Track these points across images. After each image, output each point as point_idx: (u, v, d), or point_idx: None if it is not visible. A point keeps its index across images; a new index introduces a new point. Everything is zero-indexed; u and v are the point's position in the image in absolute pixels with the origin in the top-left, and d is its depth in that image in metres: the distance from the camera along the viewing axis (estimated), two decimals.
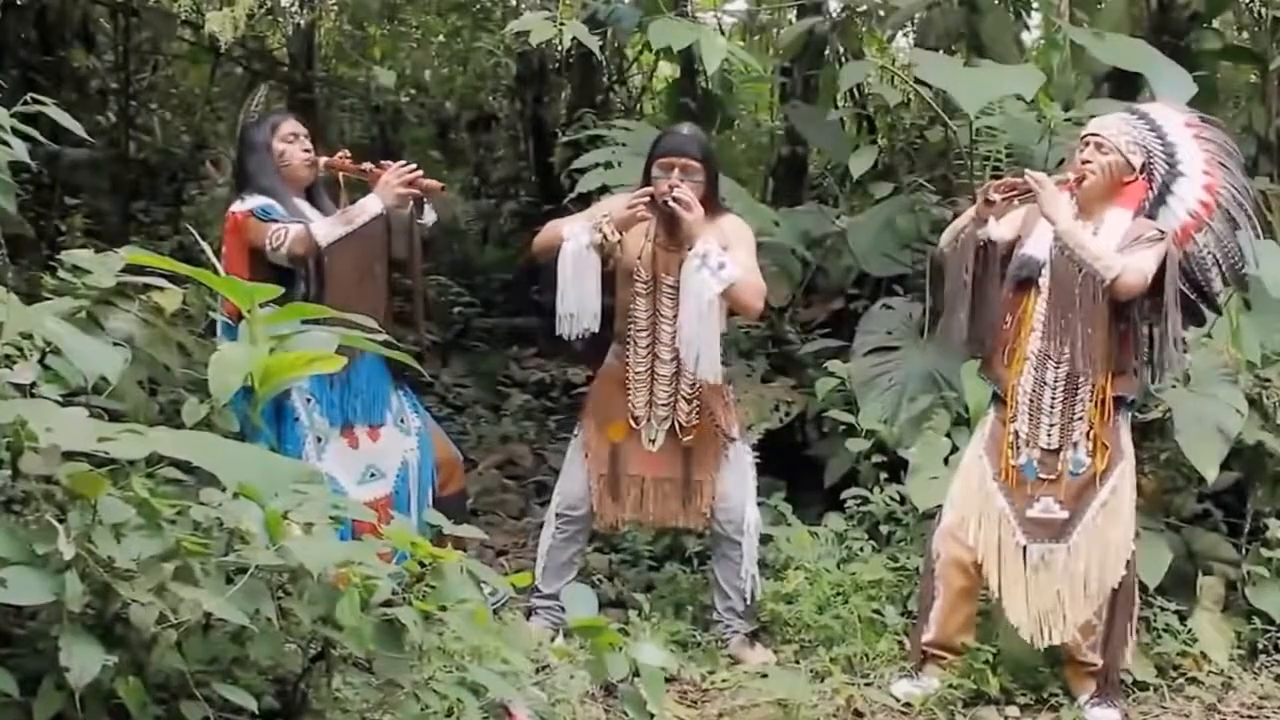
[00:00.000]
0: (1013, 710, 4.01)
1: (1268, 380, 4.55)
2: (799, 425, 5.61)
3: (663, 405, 4.29)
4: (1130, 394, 3.93)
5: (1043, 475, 3.87)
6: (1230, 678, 4.24)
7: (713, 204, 4.24)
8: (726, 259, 4.08)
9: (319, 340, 2.78)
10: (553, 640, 4.17)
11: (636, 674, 2.83)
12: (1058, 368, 3.86)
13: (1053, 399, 3.87)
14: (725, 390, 4.37)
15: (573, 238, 4.15)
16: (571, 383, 7.55)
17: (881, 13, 7.27)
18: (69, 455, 2.22)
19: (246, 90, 8.96)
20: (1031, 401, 3.88)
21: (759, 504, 4.47)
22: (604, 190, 5.17)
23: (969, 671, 3.99)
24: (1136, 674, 4.13)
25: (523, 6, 8.75)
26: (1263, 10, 6.96)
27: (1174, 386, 4.38)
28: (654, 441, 4.32)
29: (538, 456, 6.64)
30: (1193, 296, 4.00)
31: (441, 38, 9.95)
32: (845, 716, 3.94)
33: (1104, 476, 3.85)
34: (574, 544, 4.45)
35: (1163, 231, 3.82)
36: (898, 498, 4.79)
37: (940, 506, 4.12)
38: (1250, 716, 4.10)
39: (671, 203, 4.08)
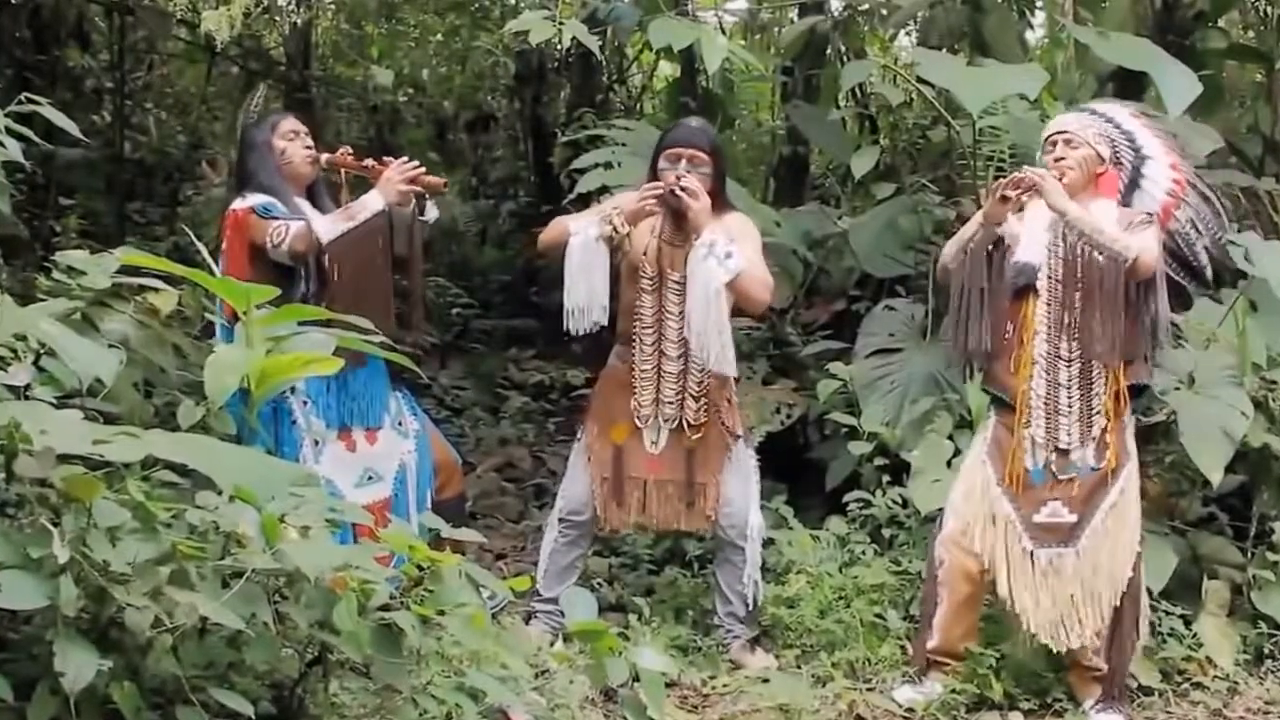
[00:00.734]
0: (1016, 716, 4.00)
1: (1273, 382, 4.54)
2: (800, 428, 5.60)
3: (670, 404, 4.29)
4: (1143, 380, 3.96)
5: (1059, 476, 3.87)
6: (1236, 683, 4.24)
7: (719, 199, 4.24)
8: (734, 249, 4.09)
9: (316, 342, 2.78)
10: (552, 645, 4.17)
11: (636, 679, 2.84)
12: (1069, 366, 3.86)
13: (1069, 399, 3.87)
14: (729, 390, 4.36)
15: (580, 231, 4.15)
16: (571, 385, 7.55)
17: (884, 11, 7.26)
18: (64, 458, 2.22)
19: (243, 90, 8.96)
20: (1047, 404, 3.89)
21: (760, 507, 4.47)
22: (604, 190, 5.17)
23: (972, 677, 3.98)
24: (1141, 679, 4.13)
25: (521, 5, 8.74)
26: (1269, 9, 6.97)
27: (1178, 389, 4.38)
28: (656, 444, 4.32)
29: (537, 459, 6.64)
30: (1180, 278, 4.07)
31: (440, 37, 9.95)
32: None
33: (1112, 478, 3.86)
34: (576, 549, 4.45)
35: (1150, 215, 3.92)
36: (900, 501, 4.79)
37: (940, 511, 4.12)
38: None
39: (679, 192, 4.08)
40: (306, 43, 8.93)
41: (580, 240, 4.13)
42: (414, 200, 4.16)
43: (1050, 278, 3.89)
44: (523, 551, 5.37)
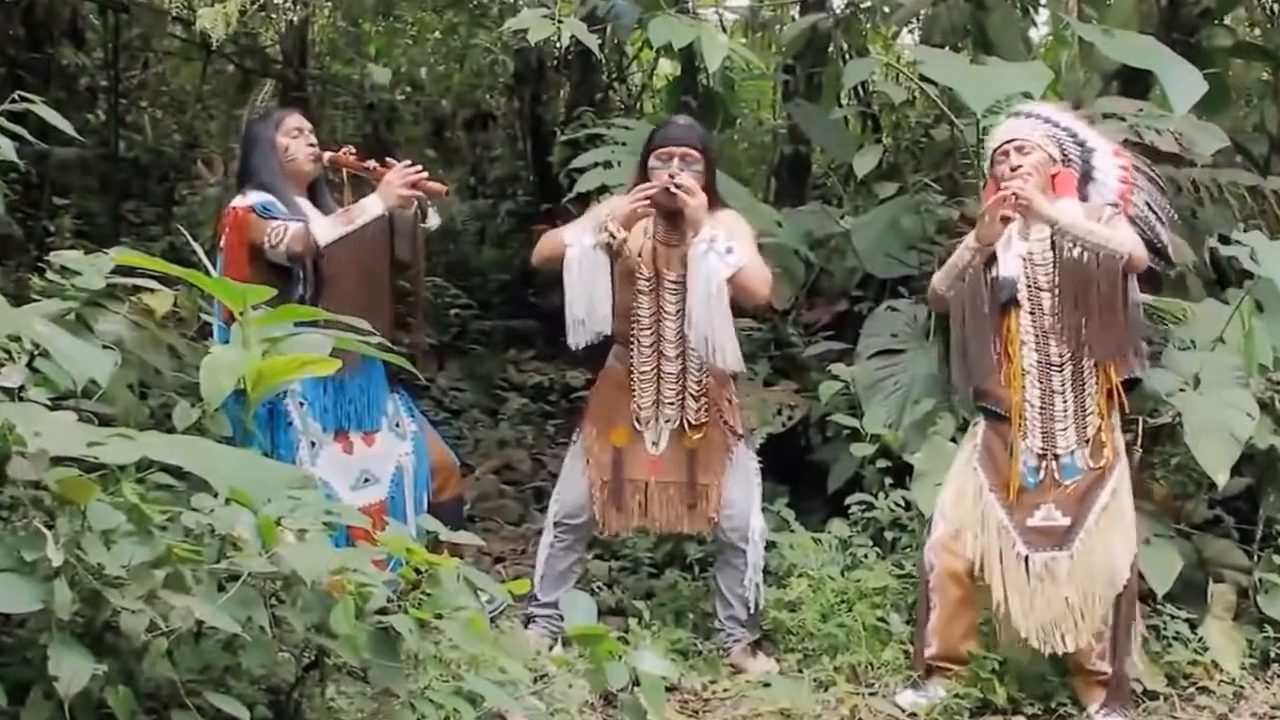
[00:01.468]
0: None
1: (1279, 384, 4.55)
2: (802, 430, 5.60)
3: (670, 404, 4.29)
4: (1135, 373, 3.98)
5: (1061, 482, 3.88)
6: (1242, 687, 4.24)
7: (712, 196, 4.25)
8: (734, 244, 4.10)
9: (313, 343, 2.78)
10: (551, 649, 4.18)
11: (636, 683, 2.83)
12: (1061, 371, 3.90)
13: (1064, 404, 3.91)
14: (730, 390, 4.37)
15: (575, 242, 4.15)
16: (570, 386, 7.55)
17: (886, 9, 7.27)
18: (58, 460, 2.22)
19: (238, 88, 8.97)
20: (1043, 413, 3.91)
21: (761, 510, 4.46)
22: (603, 190, 5.17)
23: (975, 681, 3.98)
24: (1147, 683, 4.12)
25: (520, 3, 8.74)
26: (1275, 7, 6.98)
27: (1184, 390, 4.38)
28: (657, 445, 4.32)
29: (536, 461, 6.65)
30: (1150, 260, 4.09)
31: (438, 34, 9.95)
32: None
33: (1104, 480, 3.88)
34: (573, 552, 4.45)
35: (1116, 205, 4.00)
36: (903, 503, 4.79)
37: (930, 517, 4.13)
38: None
39: (674, 190, 4.09)
40: (303, 40, 8.94)
41: (577, 251, 4.14)
42: (416, 205, 4.16)
43: (1031, 286, 3.93)
44: (522, 554, 5.37)
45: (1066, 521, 3.87)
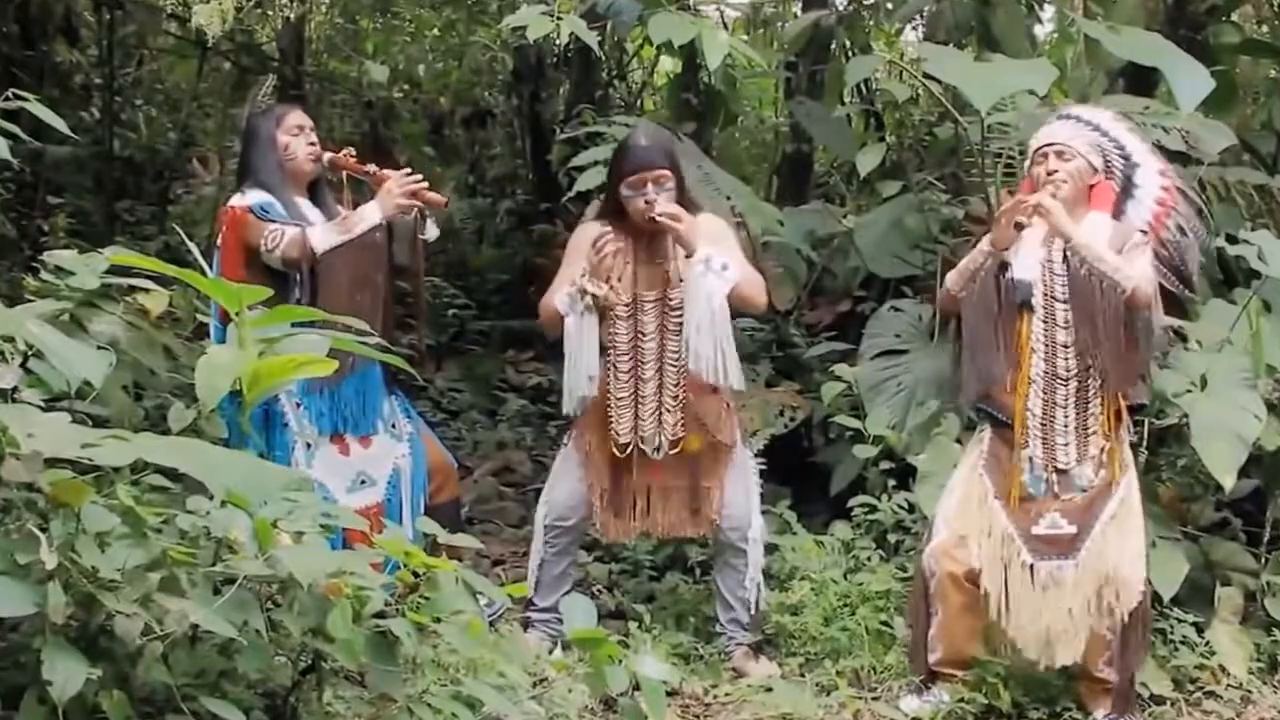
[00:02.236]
0: None
1: None
2: (804, 431, 5.60)
3: (648, 424, 4.28)
4: (1142, 399, 3.98)
5: (1061, 494, 3.87)
6: (1249, 691, 4.23)
7: (685, 202, 4.24)
8: (727, 259, 4.10)
9: (309, 344, 2.78)
10: (551, 653, 4.17)
11: (637, 687, 2.83)
12: (1066, 384, 3.88)
13: (1066, 419, 3.89)
14: (723, 395, 4.35)
15: (568, 311, 4.15)
16: None
17: (889, 5, 7.27)
18: (51, 462, 2.23)
19: (234, 86, 8.96)
20: (1044, 424, 3.90)
21: (763, 512, 4.47)
22: (603, 188, 5.17)
23: (980, 685, 3.98)
24: (1153, 687, 4.12)
25: (519, 0, 8.75)
26: None
27: (1190, 391, 4.38)
28: (658, 450, 4.32)
29: (535, 463, 6.63)
30: (1173, 286, 4.07)
31: (436, 31, 9.94)
32: None
33: (1111, 490, 3.86)
34: (567, 556, 4.44)
35: (1145, 233, 3.94)
36: (906, 506, 4.79)
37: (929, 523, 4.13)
38: None
39: (659, 219, 4.07)
40: (300, 38, 8.93)
41: (573, 320, 4.14)
42: (415, 214, 4.16)
43: (1046, 295, 3.90)
44: (521, 557, 5.36)
45: (1072, 530, 3.85)
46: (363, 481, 4.17)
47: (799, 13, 7.63)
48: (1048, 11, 7.43)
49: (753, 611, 4.36)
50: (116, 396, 3.27)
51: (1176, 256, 4.07)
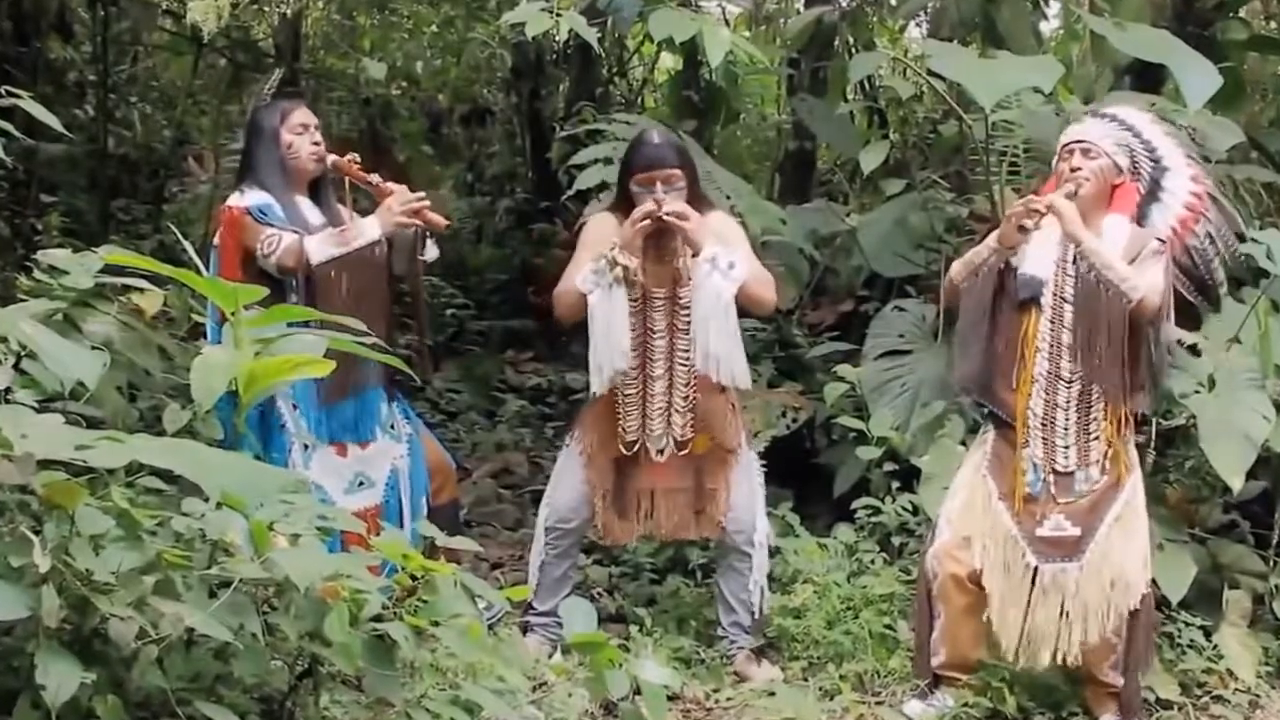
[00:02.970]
0: None
1: None
2: (807, 432, 5.60)
3: (656, 423, 4.28)
4: (1145, 410, 3.97)
5: (1059, 498, 3.87)
6: (1257, 696, 4.24)
7: (696, 201, 4.23)
8: (734, 257, 4.10)
9: (306, 344, 2.78)
10: (550, 657, 4.18)
11: (638, 692, 2.84)
12: (1069, 387, 3.87)
13: (1066, 421, 3.88)
14: (729, 395, 4.36)
15: (593, 286, 4.11)
16: (570, 388, 7.54)
17: (893, 2, 7.27)
18: (45, 464, 2.23)
19: (230, 83, 8.96)
20: (1044, 425, 3.89)
21: (766, 514, 4.46)
22: (603, 187, 5.17)
23: (985, 690, 3.98)
24: (1160, 692, 4.12)
25: None
26: None
27: (1198, 392, 4.37)
28: (662, 452, 4.31)
29: (534, 465, 6.64)
30: (1192, 297, 4.06)
31: (434, 28, 9.95)
32: None
33: (1116, 491, 3.86)
34: (567, 559, 4.44)
35: (1163, 242, 3.89)
36: (910, 508, 4.79)
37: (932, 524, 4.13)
38: None
39: (668, 219, 4.07)
40: (296, 34, 8.93)
41: (599, 295, 4.10)
42: (415, 231, 4.15)
43: (1056, 295, 3.89)
44: (520, 560, 5.36)
45: (1076, 532, 3.85)
46: (361, 483, 4.17)
47: (801, 9, 7.62)
48: (1053, 8, 7.43)
49: (755, 615, 4.36)
50: (111, 397, 3.28)
51: (1201, 266, 4.06)
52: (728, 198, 5.29)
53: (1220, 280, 4.12)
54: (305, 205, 4.17)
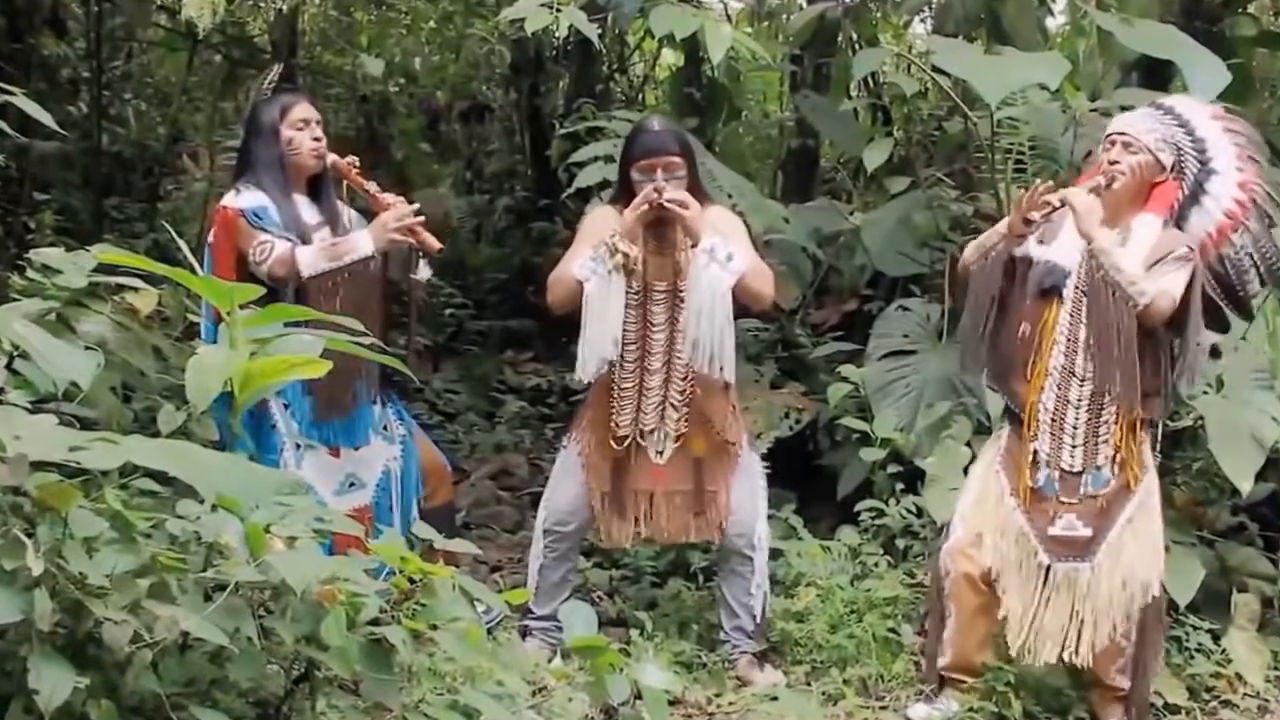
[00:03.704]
0: None
1: None
2: (810, 434, 5.61)
3: (650, 418, 4.28)
4: (1157, 416, 3.93)
5: (1063, 497, 3.86)
6: (1266, 700, 4.24)
7: (697, 193, 4.23)
8: (733, 249, 4.09)
9: (302, 344, 2.77)
10: (550, 661, 4.17)
11: (638, 696, 2.84)
12: (1081, 385, 3.83)
13: (1076, 418, 3.85)
14: (731, 396, 4.36)
15: (591, 274, 4.11)
16: (569, 389, 7.53)
17: None
18: (38, 465, 2.22)
19: (225, 80, 8.96)
20: (1054, 420, 3.86)
21: (768, 517, 4.46)
22: (604, 185, 5.17)
23: (990, 694, 3.98)
24: (1167, 696, 4.13)
25: None
26: None
27: (1206, 392, 4.37)
28: (662, 453, 4.31)
29: (534, 466, 6.64)
30: (1222, 303, 3.96)
31: (432, 24, 9.95)
32: None
33: (1129, 492, 3.84)
34: (566, 562, 4.44)
35: (1192, 249, 3.79)
36: (915, 510, 4.79)
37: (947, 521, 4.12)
38: None
39: (668, 206, 4.07)
40: (293, 30, 8.92)
41: (596, 283, 4.09)
42: (410, 249, 4.15)
43: (1078, 288, 3.83)
44: (519, 563, 5.36)
45: (1088, 532, 3.83)
46: (351, 484, 4.17)
47: (804, 5, 7.62)
48: (1059, 3, 7.42)
49: (758, 619, 4.36)
50: (105, 398, 3.27)
51: (1234, 276, 3.90)
52: (729, 196, 5.29)
53: (1254, 293, 3.98)
54: (303, 204, 4.16)
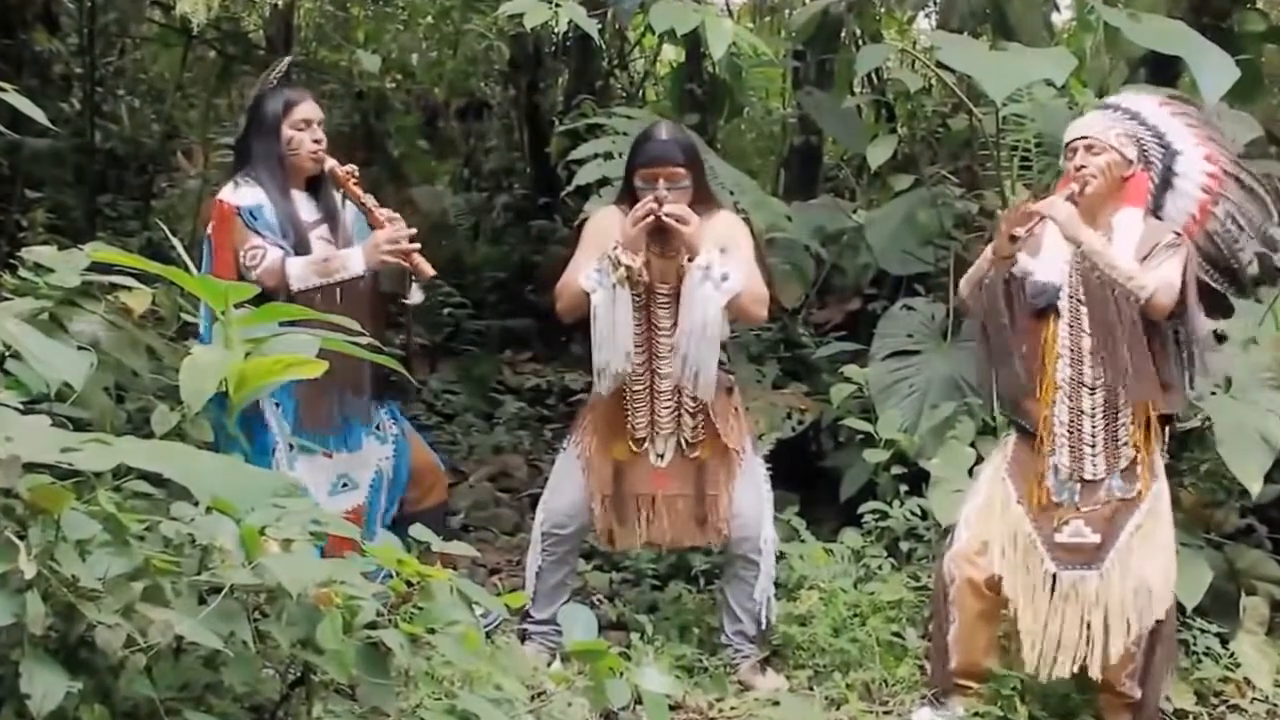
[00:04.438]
0: None
1: None
2: (813, 435, 5.61)
3: (666, 423, 4.28)
4: (1175, 410, 3.93)
5: (1082, 508, 3.85)
6: (1275, 705, 4.24)
7: (704, 199, 4.23)
8: (729, 268, 4.07)
9: (298, 344, 2.77)
10: (549, 665, 4.18)
11: (639, 701, 2.83)
12: (1093, 394, 3.84)
13: (1093, 427, 3.85)
14: (735, 399, 4.36)
15: (596, 286, 4.10)
16: (569, 389, 7.56)
17: None
18: (30, 467, 2.22)
19: (220, 75, 8.96)
20: (1070, 433, 3.87)
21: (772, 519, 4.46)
22: (604, 183, 5.17)
23: (996, 699, 3.98)
24: (1175, 701, 4.13)
25: None
26: None
27: (1214, 393, 4.37)
28: (663, 457, 4.31)
29: (533, 468, 6.64)
30: (1219, 284, 4.01)
31: (429, 19, 9.95)
32: None
33: (1139, 499, 3.84)
34: (565, 565, 4.44)
35: (1179, 234, 3.84)
36: (919, 512, 4.79)
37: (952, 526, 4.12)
38: None
39: (666, 220, 4.06)
40: (288, 26, 8.92)
41: (603, 296, 4.09)
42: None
43: (1072, 298, 3.86)
44: (518, 565, 5.36)
45: (1096, 539, 3.83)
46: (344, 484, 4.17)
47: (807, 0, 7.62)
48: None
49: (761, 624, 4.36)
50: (98, 399, 3.27)
51: (1225, 250, 3.97)
52: (731, 194, 5.29)
53: (1248, 260, 4.01)
54: (301, 200, 4.15)
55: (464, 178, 10.30)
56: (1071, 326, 3.87)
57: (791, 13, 8.19)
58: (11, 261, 3.68)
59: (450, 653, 2.67)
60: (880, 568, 4.71)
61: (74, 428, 2.61)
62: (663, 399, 4.27)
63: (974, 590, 3.94)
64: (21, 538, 2.17)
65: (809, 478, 5.47)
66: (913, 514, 4.80)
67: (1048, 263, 3.92)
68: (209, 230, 4.07)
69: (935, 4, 7.67)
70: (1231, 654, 4.31)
